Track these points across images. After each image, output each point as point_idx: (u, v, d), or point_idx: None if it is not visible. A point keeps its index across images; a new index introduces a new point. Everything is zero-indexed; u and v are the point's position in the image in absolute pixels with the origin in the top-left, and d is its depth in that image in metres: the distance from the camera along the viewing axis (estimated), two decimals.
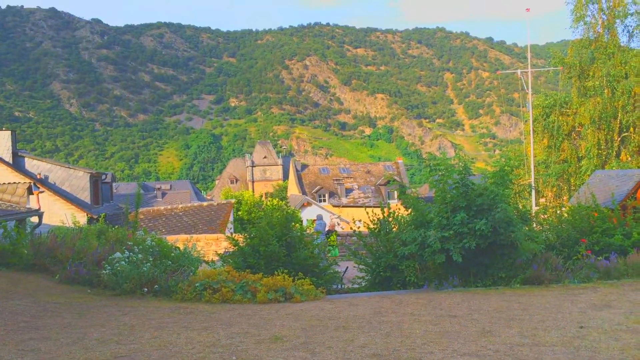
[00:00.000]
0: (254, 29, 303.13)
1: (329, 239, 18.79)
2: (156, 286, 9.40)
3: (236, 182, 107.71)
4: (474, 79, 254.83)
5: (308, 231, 14.04)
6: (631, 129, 27.15)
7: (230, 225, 24.04)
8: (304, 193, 58.21)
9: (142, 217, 22.60)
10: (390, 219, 12.09)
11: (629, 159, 26.96)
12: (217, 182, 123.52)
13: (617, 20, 29.92)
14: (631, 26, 30.48)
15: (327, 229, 20.72)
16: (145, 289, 9.34)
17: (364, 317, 7.53)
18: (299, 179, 61.91)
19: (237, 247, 11.80)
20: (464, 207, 10.07)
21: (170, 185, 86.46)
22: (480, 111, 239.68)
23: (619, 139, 27.86)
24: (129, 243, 11.43)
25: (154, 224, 23.74)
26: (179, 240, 14.85)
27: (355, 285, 12.30)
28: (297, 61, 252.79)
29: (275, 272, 9.99)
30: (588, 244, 12.19)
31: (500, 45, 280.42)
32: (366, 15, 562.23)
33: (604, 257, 11.11)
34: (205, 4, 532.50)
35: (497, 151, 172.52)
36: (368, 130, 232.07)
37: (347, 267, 14.13)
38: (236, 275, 9.64)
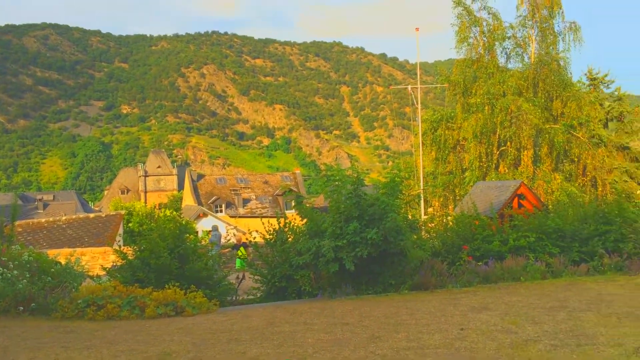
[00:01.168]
0: (148, 34, 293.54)
1: (238, 253, 18.53)
2: (33, 304, 8.73)
3: (127, 192, 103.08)
4: (369, 92, 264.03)
5: (203, 242, 13.75)
6: (508, 143, 29.30)
7: (119, 238, 22.94)
8: (199, 204, 56.95)
9: (20, 230, 20.93)
10: (286, 229, 12.15)
11: (506, 170, 29.10)
12: (106, 192, 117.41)
13: (496, 43, 32.32)
14: (508, 49, 33.09)
15: (235, 242, 20.40)
16: (21, 308, 8.64)
17: (257, 328, 7.48)
18: (195, 189, 60.51)
19: (125, 261, 11.27)
20: (357, 216, 10.35)
21: (54, 196, 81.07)
22: (375, 124, 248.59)
23: (498, 152, 30.00)
24: (3, 259, 10.52)
25: (33, 238, 22.04)
26: (61, 255, 13.90)
27: (251, 297, 12.20)
28: (193, 69, 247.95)
29: (167, 286, 9.65)
30: (470, 250, 12.98)
31: (393, 61, 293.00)
32: (265, 27, 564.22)
33: (483, 262, 11.88)
34: (94, 6, 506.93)
35: (390, 162, 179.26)
36: (266, 141, 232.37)
37: (244, 277, 13.98)
38: (123, 290, 9.19)
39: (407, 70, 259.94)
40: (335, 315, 8.20)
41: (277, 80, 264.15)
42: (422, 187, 29.55)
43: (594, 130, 31.14)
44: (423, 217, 23.34)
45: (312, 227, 11.12)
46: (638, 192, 30.14)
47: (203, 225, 42.05)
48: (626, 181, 31.47)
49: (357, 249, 9.91)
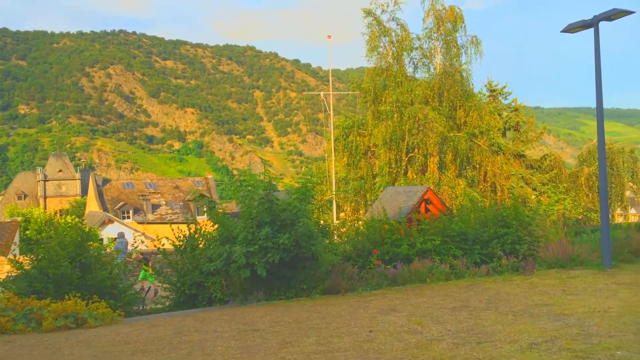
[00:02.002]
0: (49, 31, 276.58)
1: (144, 266, 17.74)
2: None
3: (24, 197, 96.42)
4: (282, 98, 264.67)
5: (108, 250, 13.13)
6: (416, 150, 30.49)
7: (14, 247, 21.40)
8: (105, 210, 54.37)
9: None
10: (197, 235, 11.87)
11: (415, 176, 30.26)
12: (0, 198, 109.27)
13: (405, 53, 33.58)
14: (416, 59, 34.48)
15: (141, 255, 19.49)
16: None
17: (164, 338, 7.23)
18: (100, 195, 57.72)
19: (21, 271, 10.53)
20: (269, 222, 10.30)
21: None
22: (289, 129, 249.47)
23: (407, 158, 31.12)
24: None
25: None
26: None
27: (159, 306, 11.79)
28: (99, 69, 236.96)
29: (67, 297, 9.10)
30: (379, 254, 13.31)
31: (307, 67, 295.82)
32: (176, 28, 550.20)
33: (392, 265, 12.22)
34: None
35: (304, 168, 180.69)
36: (177, 145, 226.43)
37: (150, 287, 13.49)
38: (18, 303, 8.58)
39: (321, 76, 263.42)
40: (246, 321, 8.11)
41: (189, 83, 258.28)
42: (334, 192, 29.99)
43: (493, 138, 33.08)
44: (335, 222, 23.72)
45: (224, 233, 10.95)
46: (533, 197, 32.32)
47: (109, 232, 40.17)
48: (522, 187, 33.65)
49: (269, 255, 9.87)
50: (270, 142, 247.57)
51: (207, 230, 11.89)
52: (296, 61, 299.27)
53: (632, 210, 65.12)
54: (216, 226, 11.46)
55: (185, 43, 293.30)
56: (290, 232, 9.99)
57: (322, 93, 35.94)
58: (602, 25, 12.08)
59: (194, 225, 12.00)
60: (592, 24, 11.98)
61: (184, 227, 12.24)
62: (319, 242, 10.42)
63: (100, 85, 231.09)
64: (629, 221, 35.98)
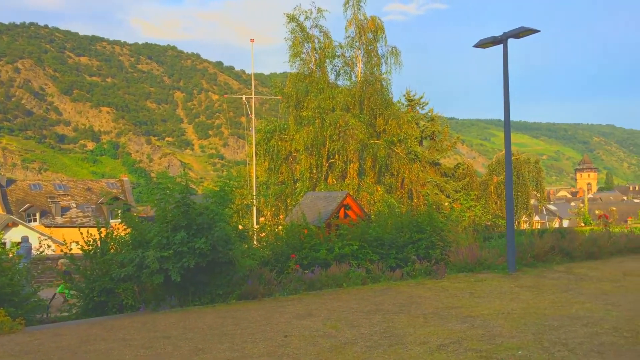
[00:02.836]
0: None
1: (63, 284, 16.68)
2: None
3: None
4: (204, 100, 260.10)
5: (10, 255, 12.29)
6: (337, 156, 30.87)
7: None
8: (9, 212, 50.95)
9: None
10: (108, 239, 11.35)
11: (335, 182, 30.62)
12: None
13: (327, 60, 34.01)
14: (338, 66, 35.00)
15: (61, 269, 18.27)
16: None
17: (68, 347, 6.84)
18: (4, 196, 54.03)
19: None
20: (185, 226, 10.04)
21: None
22: (210, 132, 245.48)
23: (327, 164, 31.44)
24: None
25: None
26: None
27: (65, 314, 11.16)
28: (6, 62, 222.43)
29: None
30: (298, 259, 13.34)
31: (230, 70, 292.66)
32: (93, 24, 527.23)
33: (310, 270, 12.28)
34: None
35: (225, 172, 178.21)
36: (91, 145, 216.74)
37: (55, 294, 12.76)
38: None
39: (244, 80, 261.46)
40: (158, 329, 7.84)
41: (105, 81, 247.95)
42: (254, 197, 29.75)
43: (411, 146, 34.14)
44: (255, 226, 23.54)
45: (137, 237, 10.56)
46: (446, 203, 33.64)
47: (12, 236, 37.68)
48: (437, 193, 34.94)
49: (184, 259, 9.61)
50: (190, 145, 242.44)
51: (119, 234, 11.41)
52: (219, 63, 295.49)
53: (537, 218, 69.34)
54: (129, 230, 11.03)
55: (101, 39, 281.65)
56: (207, 237, 9.79)
57: (244, 96, 35.60)
58: (511, 42, 12.81)
59: (105, 229, 11.47)
60: (501, 40, 12.66)
61: (95, 231, 11.68)
62: (236, 246, 10.28)
63: (7, 80, 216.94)
64: (533, 228, 38.25)
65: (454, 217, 19.11)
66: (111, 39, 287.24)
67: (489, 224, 32.72)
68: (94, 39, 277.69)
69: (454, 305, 8.74)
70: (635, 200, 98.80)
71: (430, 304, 8.93)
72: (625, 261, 13.39)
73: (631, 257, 14.10)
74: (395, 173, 32.70)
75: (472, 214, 31.13)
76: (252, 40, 34.86)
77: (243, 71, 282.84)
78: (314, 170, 30.98)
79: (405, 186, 32.85)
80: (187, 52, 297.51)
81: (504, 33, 12.63)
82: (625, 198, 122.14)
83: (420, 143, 37.96)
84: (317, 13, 32.99)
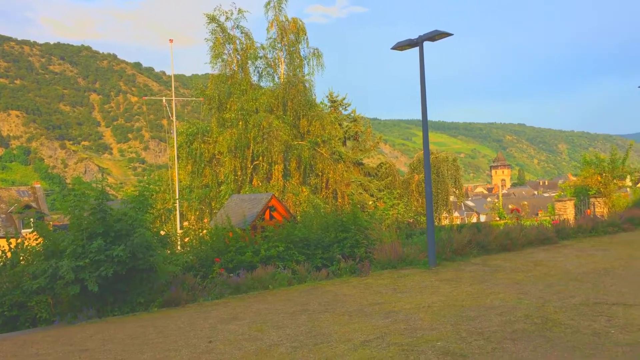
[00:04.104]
0: None
1: None
2: None
3: None
4: (122, 102, 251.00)
5: None
6: (261, 157, 30.73)
7: None
8: None
9: None
10: (19, 250, 10.69)
11: (260, 184, 30.47)
12: None
13: (249, 62, 33.79)
14: (260, 68, 34.89)
15: None
16: None
17: None
18: None
19: None
20: (102, 233, 9.64)
21: None
22: (129, 135, 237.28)
23: (252, 166, 31.23)
24: None
25: None
26: None
27: None
28: None
29: None
30: (223, 262, 13.16)
31: (149, 71, 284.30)
32: None
33: (236, 273, 12.13)
34: None
35: (146, 176, 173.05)
36: (0, 151, 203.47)
37: None
38: None
39: (164, 81, 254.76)
40: (74, 342, 7.46)
41: (13, 82, 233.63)
42: (177, 201, 29.06)
43: (334, 147, 34.58)
44: (178, 231, 22.95)
45: (49, 247, 10.00)
46: (370, 202, 34.34)
47: None
48: (361, 193, 35.61)
49: (101, 268, 9.21)
50: (109, 149, 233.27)
51: (31, 244, 10.78)
52: (137, 64, 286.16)
53: (456, 214, 72.20)
54: (41, 240, 10.45)
55: (8, 39, 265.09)
56: (126, 244, 9.45)
57: (164, 98, 34.70)
58: (430, 45, 13.26)
59: (14, 240, 10.80)
60: (417, 43, 13.07)
61: (4, 242, 10.98)
62: (158, 253, 9.98)
63: None
64: (453, 223, 39.77)
65: (377, 216, 19.53)
66: (19, 38, 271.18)
67: (411, 221, 33.68)
68: (1, 40, 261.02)
69: (377, 301, 8.92)
70: (545, 195, 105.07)
71: (354, 301, 9.07)
72: (535, 252, 14.18)
73: (541, 248, 14.96)
74: (320, 173, 32.99)
75: (395, 212, 31.94)
76: (171, 40, 34.02)
77: (163, 72, 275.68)
78: (239, 173, 30.69)
79: (330, 186, 33.22)
80: (103, 53, 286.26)
81: (419, 36, 13.04)
82: (536, 193, 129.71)
83: (344, 143, 38.54)
84: (238, 14, 32.75)
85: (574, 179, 37.08)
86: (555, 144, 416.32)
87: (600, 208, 24.15)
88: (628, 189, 28.75)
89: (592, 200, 24.74)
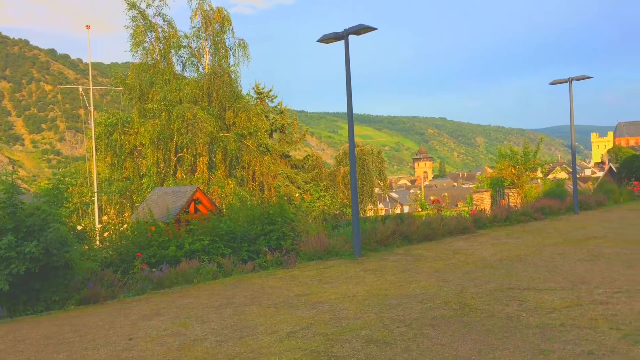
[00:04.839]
0: None
1: None
2: None
3: None
4: (35, 91, 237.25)
5: None
6: (185, 149, 29.97)
7: None
8: None
9: None
10: None
11: (184, 176, 29.73)
12: None
13: (172, 51, 32.82)
14: (184, 57, 33.98)
15: None
16: None
17: None
18: None
19: None
20: (12, 228, 9.10)
21: None
22: (43, 126, 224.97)
23: (175, 158, 30.41)
24: None
25: None
26: None
27: None
28: None
29: None
30: (145, 257, 12.76)
31: (65, 58, 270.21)
32: None
33: (158, 268, 11.81)
34: None
35: (62, 169, 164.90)
36: None
37: None
38: None
39: (81, 69, 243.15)
40: None
41: None
42: (95, 194, 27.87)
43: (261, 139, 34.33)
44: (97, 225, 22.03)
45: None
46: (297, 194, 34.44)
47: None
48: (288, 185, 35.62)
49: (12, 266, 8.70)
50: (20, 140, 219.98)
51: None
52: (52, 51, 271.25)
53: (381, 205, 73.85)
54: None
55: None
56: (39, 239, 8.96)
57: (81, 87, 33.05)
58: (357, 39, 13.42)
59: None
60: (342, 36, 13.19)
61: None
62: (74, 248, 9.53)
63: None
64: (377, 215, 40.71)
65: (304, 208, 19.64)
66: None
67: (337, 212, 34.12)
68: None
69: (303, 292, 8.97)
70: (464, 186, 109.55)
71: (281, 293, 9.08)
72: (455, 241, 14.78)
73: (460, 237, 15.60)
74: (246, 166, 32.68)
75: (322, 204, 32.24)
76: (88, 26, 32.41)
77: (80, 60, 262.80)
78: (162, 165, 29.84)
79: (257, 179, 33.00)
80: (14, 38, 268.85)
81: (345, 29, 13.17)
82: (455, 184, 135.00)
83: (271, 136, 38.37)
84: (160, 1, 31.75)
85: (491, 171, 38.87)
86: (474, 137, 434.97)
87: (514, 198, 25.48)
88: (539, 180, 30.51)
89: (506, 191, 26.05)
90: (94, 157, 30.62)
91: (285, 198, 25.57)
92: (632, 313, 6.61)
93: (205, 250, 13.73)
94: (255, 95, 38.44)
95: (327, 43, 13.78)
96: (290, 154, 39.48)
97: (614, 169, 41.84)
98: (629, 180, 29.88)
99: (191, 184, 25.89)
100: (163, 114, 29.66)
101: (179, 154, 30.42)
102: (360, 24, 12.83)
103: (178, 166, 30.57)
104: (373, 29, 13.13)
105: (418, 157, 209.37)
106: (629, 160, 36.34)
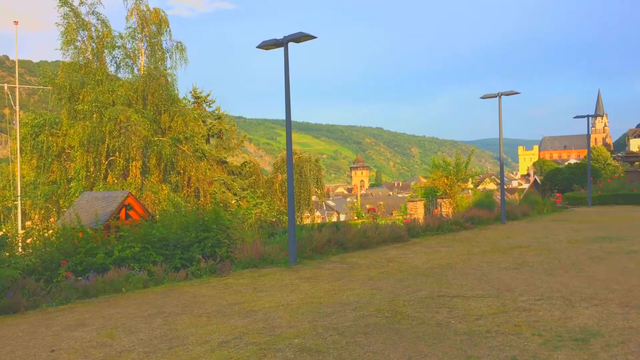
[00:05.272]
0: None
1: None
2: None
3: None
4: None
5: None
6: (117, 153, 28.99)
7: None
8: None
9: None
10: None
11: (115, 181, 28.75)
12: None
13: (106, 51, 31.78)
14: (118, 58, 32.98)
15: None
16: None
17: None
18: None
19: None
20: None
21: None
22: None
23: (107, 162, 29.38)
24: None
25: None
26: None
27: None
28: None
29: None
30: (71, 265, 12.20)
31: None
32: None
33: (85, 276, 11.32)
34: None
35: None
36: None
37: None
38: None
39: (7, 67, 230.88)
40: None
41: None
42: (19, 198, 26.47)
43: (197, 144, 33.77)
44: (20, 231, 20.90)
45: None
46: (233, 201, 34.02)
47: None
48: (224, 192, 35.16)
49: None
50: None
51: None
52: None
53: (317, 213, 74.20)
54: None
55: None
56: None
57: (6, 85, 31.40)
58: (296, 47, 13.44)
59: None
60: (282, 43, 13.20)
61: None
62: None
63: None
64: (314, 223, 40.85)
65: (240, 215, 19.37)
66: None
67: (274, 220, 33.97)
68: None
69: (237, 301, 8.85)
70: (399, 195, 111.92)
71: (214, 302, 8.91)
72: (389, 249, 15.03)
73: (394, 245, 15.88)
74: (181, 171, 32.03)
75: (259, 211, 31.99)
76: (15, 22, 30.82)
77: (6, 57, 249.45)
78: (92, 169, 28.76)
79: (192, 185, 32.39)
80: None
81: (285, 37, 13.18)
82: (391, 193, 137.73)
83: (208, 141, 37.80)
84: None
85: (425, 180, 39.93)
86: (409, 147, 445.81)
87: (446, 208, 26.25)
88: (470, 191, 31.63)
89: (439, 200, 26.80)
90: (19, 159, 29.10)
91: (222, 205, 25.20)
92: (552, 319, 6.92)
93: (136, 258, 13.28)
94: (192, 100, 37.79)
95: (267, 49, 13.75)
96: (227, 160, 39.01)
97: (539, 181, 44.05)
98: (552, 192, 31.44)
99: (123, 189, 25.07)
100: (94, 115, 28.64)
101: (111, 158, 29.43)
102: (300, 32, 12.88)
103: (109, 170, 29.56)
104: (312, 37, 13.20)
105: (355, 166, 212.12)
106: (552, 173, 38.38)
